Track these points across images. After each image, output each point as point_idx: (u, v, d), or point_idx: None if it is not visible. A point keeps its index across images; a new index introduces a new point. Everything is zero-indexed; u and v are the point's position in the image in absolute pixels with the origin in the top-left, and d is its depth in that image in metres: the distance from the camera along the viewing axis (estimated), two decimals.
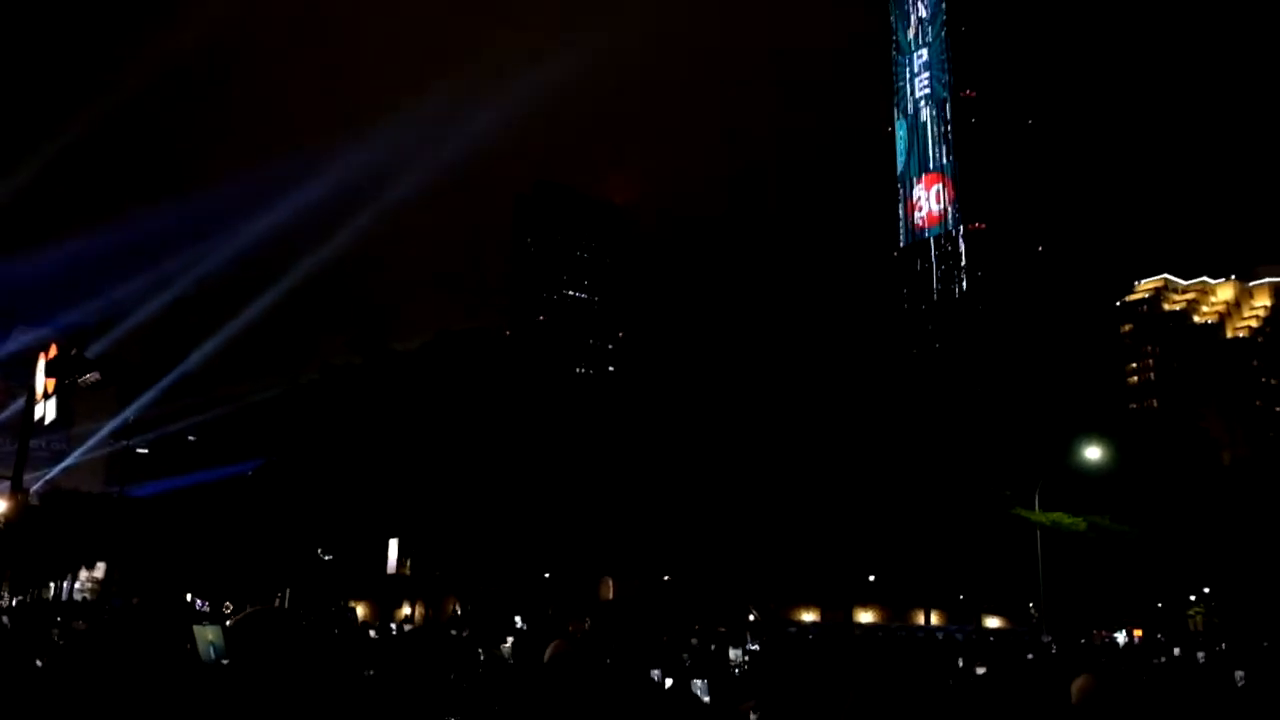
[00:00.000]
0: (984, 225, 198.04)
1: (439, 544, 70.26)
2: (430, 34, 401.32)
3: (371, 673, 8.33)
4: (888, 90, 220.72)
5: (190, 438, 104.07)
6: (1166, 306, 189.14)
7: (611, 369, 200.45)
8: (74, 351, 21.27)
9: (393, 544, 69.11)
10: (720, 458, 76.34)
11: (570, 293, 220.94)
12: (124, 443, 73.49)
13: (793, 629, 52.79)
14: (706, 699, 8.32)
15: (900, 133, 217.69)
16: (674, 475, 74.54)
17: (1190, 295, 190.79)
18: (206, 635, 6.20)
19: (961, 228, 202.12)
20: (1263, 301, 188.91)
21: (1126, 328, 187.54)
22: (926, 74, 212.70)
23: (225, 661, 5.95)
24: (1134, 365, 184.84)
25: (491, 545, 69.61)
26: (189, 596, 69.15)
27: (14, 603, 54.22)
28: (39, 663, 7.14)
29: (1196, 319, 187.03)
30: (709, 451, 77.51)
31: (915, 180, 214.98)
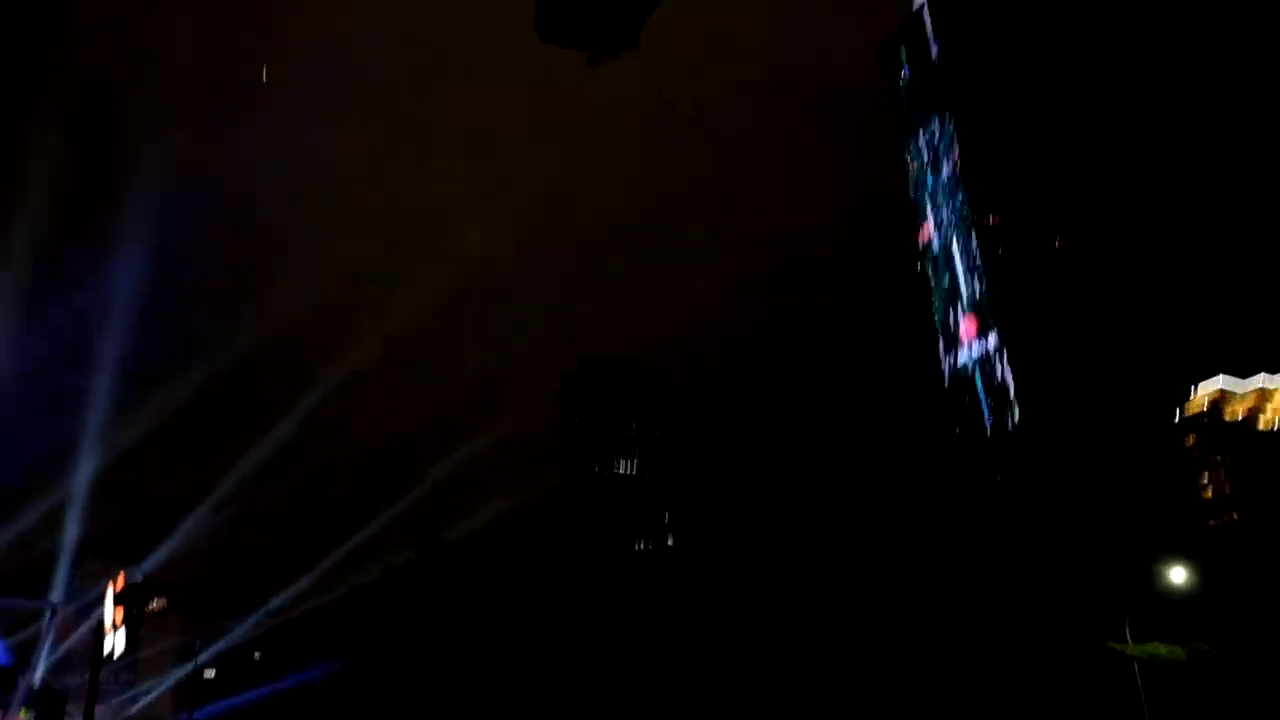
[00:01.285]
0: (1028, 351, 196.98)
1: None
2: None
3: None
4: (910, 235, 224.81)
5: (256, 654, 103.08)
6: (1227, 416, 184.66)
7: (670, 542, 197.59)
8: (141, 580, 21.35)
9: None
10: (799, 628, 74.07)
11: (621, 469, 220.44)
12: (191, 667, 72.95)
13: None
14: None
15: (930, 271, 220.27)
16: (752, 647, 72.24)
17: (1249, 402, 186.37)
18: None
19: (1005, 356, 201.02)
20: None
21: (1190, 440, 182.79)
22: (947, 206, 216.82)
23: None
24: (1206, 479, 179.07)
25: None
26: None
27: None
28: None
29: (1261, 426, 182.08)
30: (786, 623, 75.25)
31: (950, 312, 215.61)
